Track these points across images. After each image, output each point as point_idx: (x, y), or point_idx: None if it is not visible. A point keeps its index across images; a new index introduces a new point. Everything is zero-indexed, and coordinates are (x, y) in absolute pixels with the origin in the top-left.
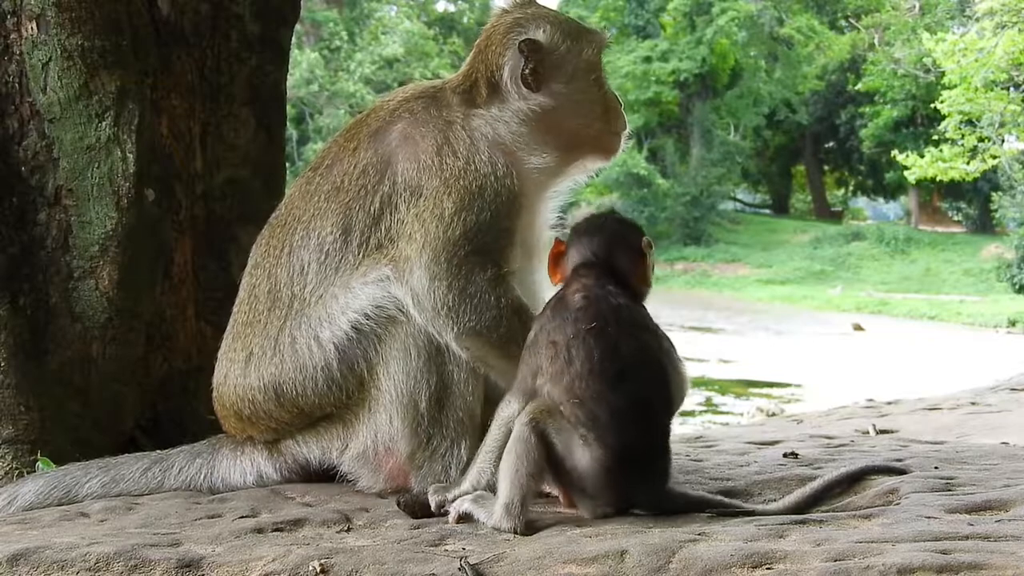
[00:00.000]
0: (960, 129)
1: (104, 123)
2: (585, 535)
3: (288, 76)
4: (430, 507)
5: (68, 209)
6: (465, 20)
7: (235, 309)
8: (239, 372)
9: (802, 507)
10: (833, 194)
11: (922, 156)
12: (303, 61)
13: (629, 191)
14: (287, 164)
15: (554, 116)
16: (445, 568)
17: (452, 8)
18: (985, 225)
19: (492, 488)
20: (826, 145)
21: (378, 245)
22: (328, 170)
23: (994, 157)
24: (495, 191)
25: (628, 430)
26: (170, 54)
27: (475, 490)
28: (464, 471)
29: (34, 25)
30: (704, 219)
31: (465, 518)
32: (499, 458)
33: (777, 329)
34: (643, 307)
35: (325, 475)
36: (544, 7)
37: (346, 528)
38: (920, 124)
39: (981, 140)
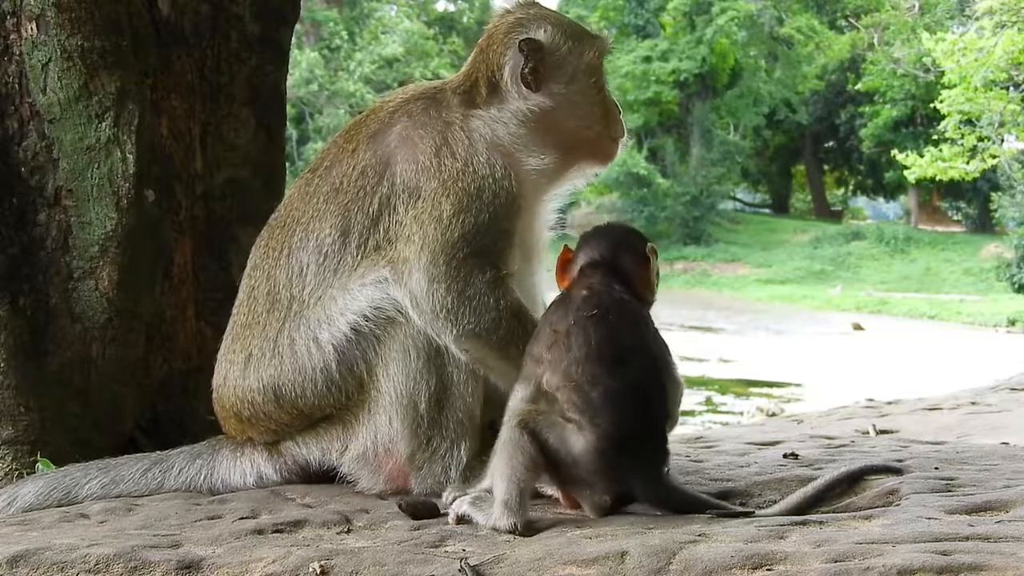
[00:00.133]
0: (960, 129)
1: (104, 124)
2: (585, 536)
3: (288, 76)
4: (430, 508)
5: (68, 210)
6: (465, 20)
7: (234, 310)
8: (238, 373)
9: (800, 510)
10: (833, 194)
11: (922, 156)
12: (303, 61)
13: (629, 191)
14: (287, 164)
15: (553, 117)
16: (445, 569)
17: (452, 8)
18: (985, 225)
19: None
20: (826, 145)
21: (376, 247)
22: (327, 171)
23: (993, 157)
24: (493, 193)
25: (622, 411)
26: (170, 54)
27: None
28: (464, 472)
29: (34, 26)
30: (704, 219)
31: (463, 520)
32: None
33: (777, 329)
34: (646, 310)
35: (325, 476)
36: (547, 9)
37: (346, 529)
38: (920, 124)
39: (981, 140)
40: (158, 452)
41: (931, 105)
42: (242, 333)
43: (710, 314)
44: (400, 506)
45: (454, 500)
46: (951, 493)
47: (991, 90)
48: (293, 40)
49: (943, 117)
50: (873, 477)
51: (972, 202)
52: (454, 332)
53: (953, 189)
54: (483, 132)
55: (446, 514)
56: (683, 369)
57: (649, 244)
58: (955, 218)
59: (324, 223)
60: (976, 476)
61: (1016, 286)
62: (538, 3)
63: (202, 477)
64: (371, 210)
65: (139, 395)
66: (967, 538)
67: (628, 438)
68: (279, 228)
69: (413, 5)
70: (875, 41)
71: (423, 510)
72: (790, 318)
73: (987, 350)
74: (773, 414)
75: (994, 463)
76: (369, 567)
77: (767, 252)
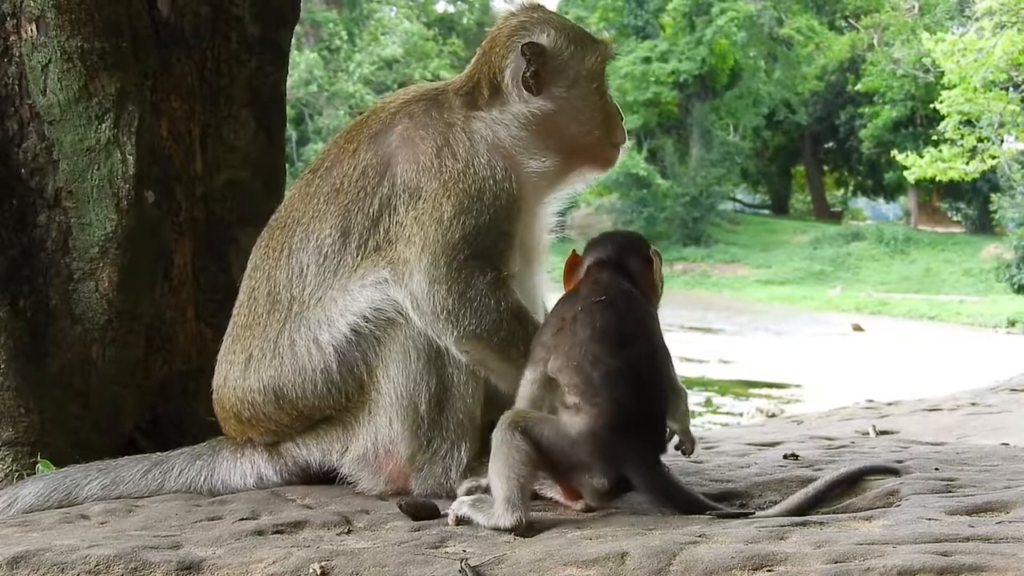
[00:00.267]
0: (959, 129)
1: (104, 125)
2: (585, 537)
3: (288, 77)
4: (430, 509)
5: (68, 211)
6: (465, 21)
7: (235, 311)
8: (238, 374)
9: (800, 511)
10: (832, 194)
11: (921, 156)
12: (301, 62)
13: (628, 191)
14: (287, 165)
15: (554, 121)
16: (446, 570)
17: (452, 9)
18: (984, 225)
19: None
20: (825, 145)
21: (376, 247)
22: (328, 172)
23: (993, 157)
24: (494, 194)
25: (622, 391)
26: (170, 56)
27: None
28: (464, 473)
29: (34, 27)
30: (703, 219)
31: (464, 521)
32: None
33: (777, 329)
34: (652, 308)
35: (325, 477)
36: (551, 12)
37: (346, 530)
38: (919, 124)
39: (980, 140)
40: (158, 453)
41: (931, 106)
42: (242, 334)
43: (710, 315)
44: (400, 507)
45: (465, 492)
46: (951, 494)
47: (991, 91)
48: (292, 41)
49: (943, 118)
50: (873, 478)
51: (972, 203)
52: (455, 334)
53: (953, 190)
54: (484, 134)
55: (446, 515)
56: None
57: (653, 248)
58: (955, 219)
59: (324, 224)
60: (976, 477)
61: (1016, 287)
62: (542, 6)
63: (202, 478)
64: (371, 211)
65: (139, 396)
66: (967, 539)
67: (626, 419)
68: (279, 229)
69: (413, 6)
70: (875, 42)
71: (423, 511)
72: (790, 319)
73: (987, 351)
74: (773, 415)
75: (994, 464)
76: (369, 568)
77: (767, 253)
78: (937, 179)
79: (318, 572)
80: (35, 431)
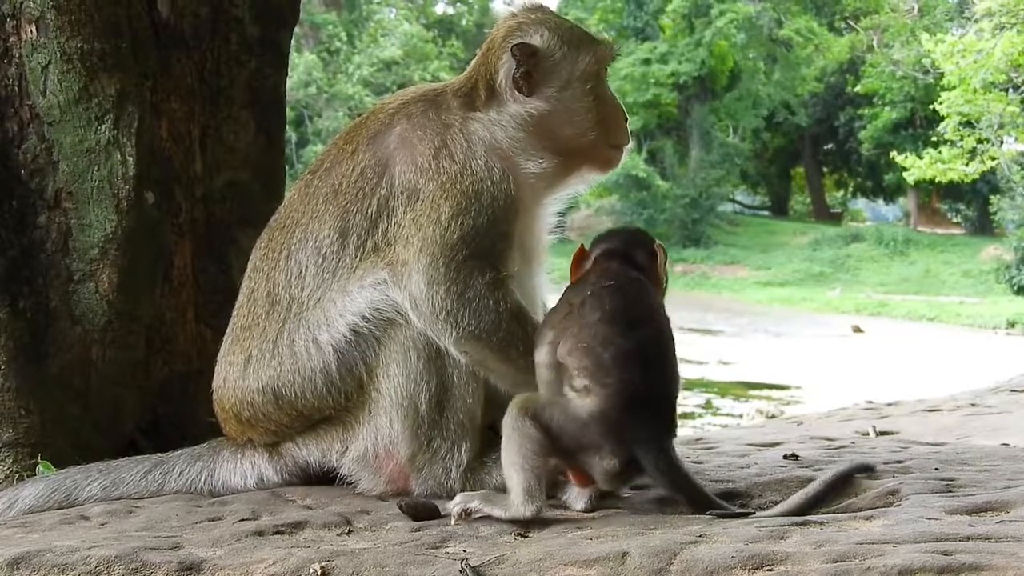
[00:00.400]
0: (959, 131)
1: (104, 126)
2: (586, 537)
3: (287, 78)
4: (430, 509)
5: (68, 212)
6: (464, 22)
7: (234, 312)
8: (238, 375)
9: (800, 512)
10: (832, 196)
11: (921, 158)
12: (301, 64)
13: (628, 193)
14: (287, 167)
15: (549, 122)
16: (446, 570)
17: (451, 11)
18: (984, 227)
19: None
20: (825, 147)
21: (375, 248)
22: (327, 173)
23: (993, 159)
24: (492, 195)
25: (632, 371)
26: (170, 57)
27: None
28: (464, 473)
29: (33, 28)
30: (703, 221)
31: (471, 515)
32: None
33: (776, 331)
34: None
35: (325, 478)
36: (550, 13)
37: (347, 531)
38: (919, 126)
39: (980, 142)
40: (158, 454)
41: (930, 107)
42: (242, 335)
43: (709, 316)
44: (401, 507)
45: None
46: (952, 494)
47: (990, 92)
48: (292, 43)
49: (942, 119)
50: (874, 478)
51: (971, 204)
52: (454, 334)
53: (952, 191)
54: (482, 135)
55: (447, 515)
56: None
57: (657, 242)
58: (954, 220)
59: (323, 224)
60: (976, 477)
61: (1015, 288)
62: (543, 7)
63: (203, 479)
64: (370, 211)
65: (139, 397)
66: (968, 538)
67: (636, 400)
68: (279, 230)
69: (412, 8)
70: (874, 43)
71: (424, 511)
72: (789, 320)
73: (987, 352)
74: (773, 416)
75: (994, 464)
76: (370, 568)
77: (766, 254)
78: (937, 180)
79: (318, 572)
80: (35, 432)
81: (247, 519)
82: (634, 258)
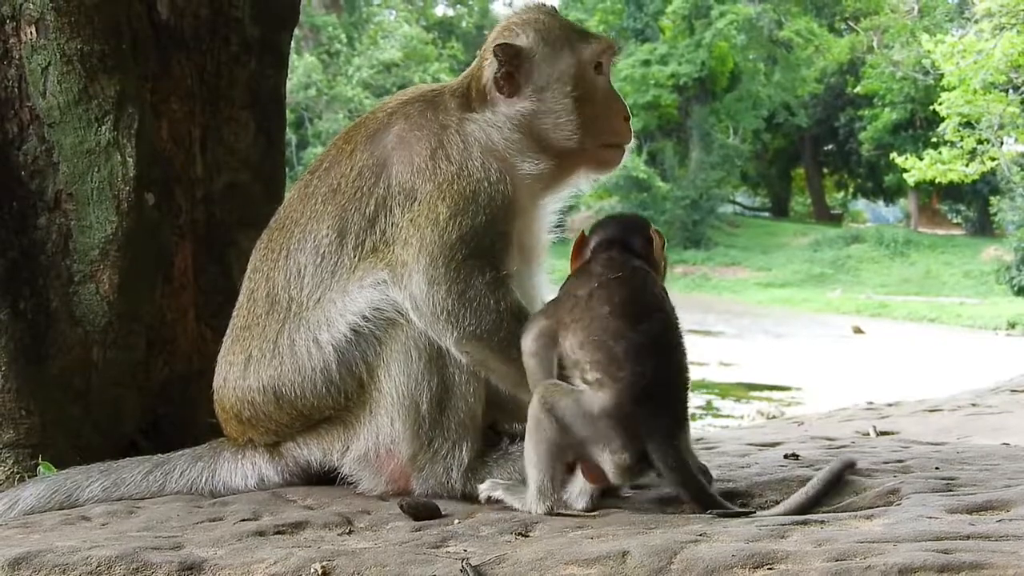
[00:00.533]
0: (959, 131)
1: (104, 127)
2: (587, 536)
3: (287, 80)
4: (431, 509)
5: (68, 213)
6: (464, 24)
7: (234, 313)
8: (238, 375)
9: (801, 511)
10: (832, 197)
11: (921, 158)
12: (300, 66)
13: (628, 194)
14: (287, 169)
15: (538, 123)
16: (447, 570)
17: (451, 12)
18: (984, 227)
19: None
20: (825, 148)
21: (373, 248)
22: (326, 172)
23: (993, 159)
24: (489, 196)
25: (644, 364)
26: (169, 58)
27: None
28: (466, 473)
29: (33, 29)
30: (703, 222)
31: (495, 502)
32: None
33: (777, 332)
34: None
35: (326, 478)
36: (542, 13)
37: (347, 531)
38: (919, 126)
39: (980, 142)
40: (159, 455)
41: (930, 108)
42: (241, 335)
43: (710, 317)
44: (402, 507)
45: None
46: (952, 493)
47: (990, 92)
48: (292, 45)
49: (942, 120)
50: (874, 478)
51: (972, 205)
52: (455, 334)
53: (953, 192)
54: (478, 136)
55: (448, 515)
56: None
57: (654, 227)
58: (955, 221)
59: (321, 224)
60: (977, 476)
61: (1016, 289)
62: (543, 7)
63: (203, 479)
64: (368, 211)
65: (140, 398)
66: (968, 537)
67: (648, 393)
68: (278, 230)
69: (412, 10)
70: (874, 44)
71: (424, 511)
72: (790, 321)
73: (987, 353)
74: (773, 417)
75: (995, 463)
76: (371, 568)
77: (767, 255)
78: (937, 181)
79: (319, 572)
80: (36, 433)
81: (248, 519)
82: (632, 245)
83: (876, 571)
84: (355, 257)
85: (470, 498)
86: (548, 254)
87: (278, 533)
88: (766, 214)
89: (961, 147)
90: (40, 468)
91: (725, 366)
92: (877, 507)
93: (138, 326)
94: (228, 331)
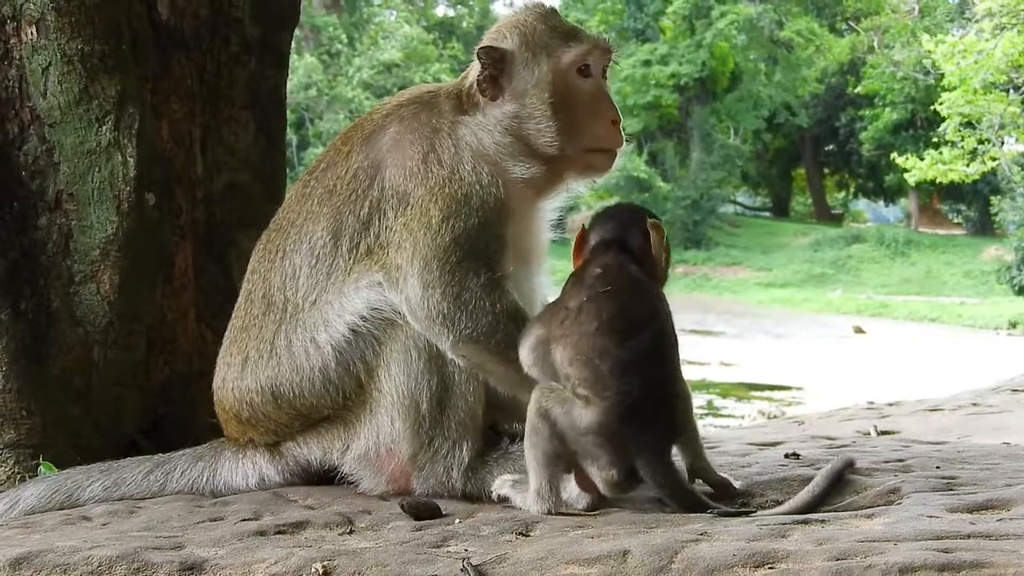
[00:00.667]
0: (960, 131)
1: (104, 127)
2: (587, 536)
3: (288, 80)
4: (432, 509)
5: (69, 213)
6: (464, 25)
7: (233, 314)
8: (236, 376)
9: (801, 512)
10: (833, 197)
11: (922, 158)
12: (301, 66)
13: (629, 195)
14: (288, 170)
15: (523, 128)
16: (448, 569)
17: (452, 13)
18: (985, 227)
19: None
20: (826, 148)
21: (368, 251)
22: (323, 174)
23: (994, 159)
24: (481, 199)
25: (630, 383)
26: (170, 58)
27: None
28: (466, 472)
29: (34, 30)
30: (704, 222)
31: (503, 500)
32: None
33: (777, 332)
34: (660, 290)
35: (327, 477)
36: (532, 14)
37: (348, 530)
38: (920, 127)
39: (981, 142)
40: (160, 455)
41: (931, 108)
42: (239, 336)
43: (710, 318)
44: (402, 507)
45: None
46: (952, 492)
47: (991, 92)
48: (292, 45)
49: (943, 120)
50: (874, 477)
51: (972, 205)
52: (451, 338)
53: (953, 192)
54: (469, 140)
55: (448, 514)
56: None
57: (651, 220)
58: (955, 221)
59: (317, 225)
60: (977, 475)
61: (1016, 289)
62: (536, 7)
63: (204, 479)
64: (362, 213)
65: (140, 398)
66: (969, 536)
67: (635, 410)
68: (276, 231)
69: (412, 10)
70: (875, 44)
71: (425, 511)
72: (790, 321)
73: (988, 352)
74: (774, 416)
75: (995, 462)
76: (371, 567)
77: (767, 255)
78: (938, 181)
79: (320, 572)
80: (37, 433)
81: (249, 519)
82: (630, 243)
83: (877, 570)
84: (350, 259)
85: (471, 497)
86: (548, 254)
87: (279, 533)
88: (767, 214)
89: (962, 147)
90: (41, 468)
91: (726, 366)
92: (878, 506)
93: (139, 326)
94: (227, 332)
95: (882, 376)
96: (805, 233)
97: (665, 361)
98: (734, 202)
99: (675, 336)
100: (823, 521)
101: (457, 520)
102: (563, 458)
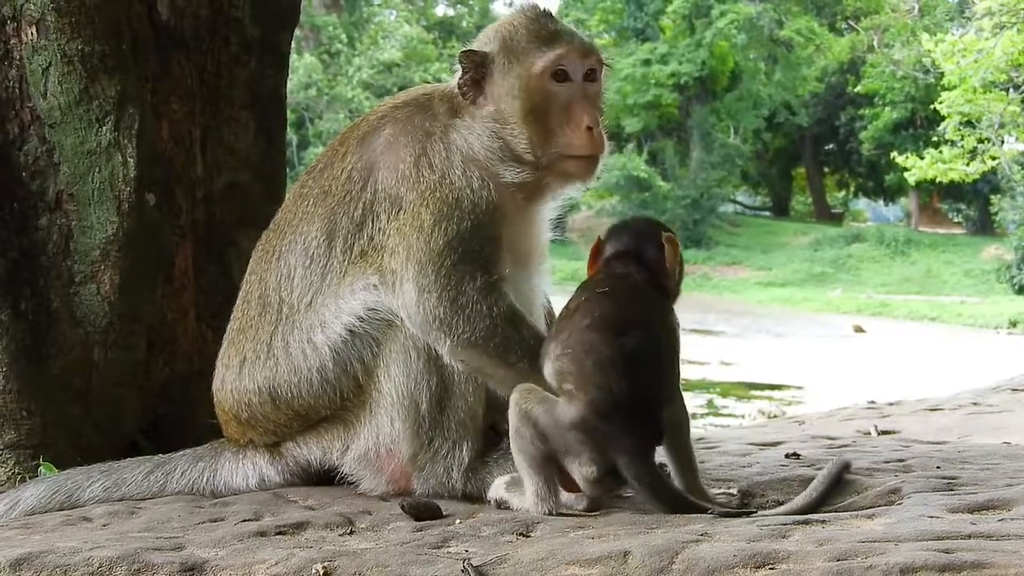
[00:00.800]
0: (959, 130)
1: (104, 128)
2: (588, 536)
3: (288, 80)
4: (432, 509)
5: (69, 214)
6: (464, 24)
7: (232, 315)
8: (234, 377)
9: (802, 513)
10: (833, 196)
11: (922, 158)
12: (301, 66)
13: (629, 194)
14: (288, 170)
15: (505, 133)
16: (448, 570)
17: (451, 12)
18: (985, 226)
19: None
20: (826, 147)
21: (362, 253)
22: (319, 174)
23: (993, 158)
24: (472, 203)
25: (613, 379)
26: (170, 58)
27: None
28: (466, 472)
29: (34, 30)
30: (704, 222)
31: (502, 504)
32: None
33: (778, 331)
34: (669, 304)
35: (327, 478)
36: (519, 18)
37: (349, 531)
38: (920, 126)
39: (980, 141)
40: (160, 455)
41: (931, 107)
42: (237, 337)
43: (710, 317)
44: (403, 507)
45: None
46: (953, 492)
47: (991, 91)
48: (292, 45)
49: (943, 119)
50: (874, 477)
51: (972, 204)
52: (449, 342)
53: (953, 191)
54: (460, 144)
55: (449, 515)
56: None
57: (666, 234)
58: (955, 220)
59: (311, 226)
60: (978, 475)
61: (1017, 288)
62: (528, 9)
63: (204, 480)
64: (356, 215)
65: (140, 398)
66: (969, 536)
67: (617, 408)
68: (274, 231)
69: (412, 10)
70: (875, 43)
71: (425, 511)
72: (790, 321)
73: (988, 352)
74: (774, 416)
75: (996, 462)
76: (372, 568)
77: (767, 255)
78: (937, 180)
79: (320, 572)
80: (37, 434)
81: (249, 520)
82: (644, 256)
83: (877, 571)
84: (344, 261)
85: (471, 498)
86: (548, 255)
87: (279, 533)
88: (767, 213)
89: (962, 146)
90: (41, 469)
91: (726, 365)
92: (878, 506)
93: (139, 326)
94: (226, 333)
95: (882, 375)
96: (805, 232)
97: (654, 367)
98: (734, 201)
99: (675, 350)
100: (824, 521)
101: (457, 520)
102: (552, 458)
